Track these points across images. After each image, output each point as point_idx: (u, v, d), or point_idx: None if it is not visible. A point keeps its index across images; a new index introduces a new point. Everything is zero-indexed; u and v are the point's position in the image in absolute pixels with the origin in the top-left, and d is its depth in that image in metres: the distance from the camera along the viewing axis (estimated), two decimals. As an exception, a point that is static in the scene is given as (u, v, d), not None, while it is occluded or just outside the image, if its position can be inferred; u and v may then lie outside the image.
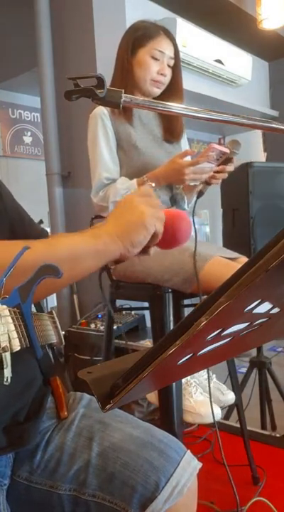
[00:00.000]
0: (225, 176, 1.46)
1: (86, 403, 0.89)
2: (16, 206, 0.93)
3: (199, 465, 0.81)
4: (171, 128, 1.68)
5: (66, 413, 0.85)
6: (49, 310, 0.98)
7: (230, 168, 1.45)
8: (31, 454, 0.80)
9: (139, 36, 1.57)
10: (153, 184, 1.47)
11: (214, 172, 1.44)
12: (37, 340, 0.57)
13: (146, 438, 0.79)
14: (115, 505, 0.74)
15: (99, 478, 0.76)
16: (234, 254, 1.48)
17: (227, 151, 1.40)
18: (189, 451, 0.81)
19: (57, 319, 0.97)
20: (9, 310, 0.52)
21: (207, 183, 1.47)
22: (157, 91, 1.61)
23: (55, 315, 0.97)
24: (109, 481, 0.75)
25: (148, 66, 1.56)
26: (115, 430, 0.81)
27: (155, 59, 1.56)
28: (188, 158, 1.50)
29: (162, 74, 1.58)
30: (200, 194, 1.51)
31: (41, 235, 0.95)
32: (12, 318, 0.52)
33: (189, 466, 0.78)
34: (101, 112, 1.56)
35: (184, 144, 1.76)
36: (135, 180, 1.50)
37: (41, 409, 0.82)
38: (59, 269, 0.57)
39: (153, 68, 1.57)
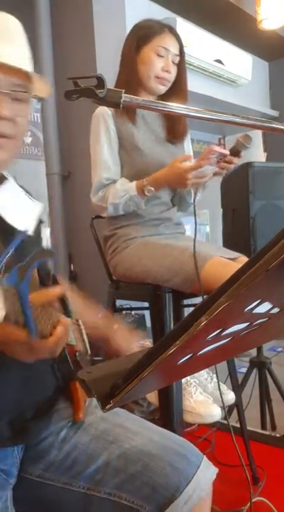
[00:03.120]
0: (231, 167, 1.47)
1: None
2: None
3: (217, 470, 0.83)
4: (174, 128, 1.67)
5: (81, 415, 0.85)
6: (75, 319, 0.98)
7: (236, 160, 1.46)
8: (45, 452, 0.81)
9: (143, 34, 1.56)
10: (153, 188, 1.46)
11: (223, 162, 1.44)
12: (33, 321, 0.59)
13: (166, 442, 0.81)
14: (132, 504, 0.75)
15: (117, 478, 0.77)
16: (234, 254, 1.48)
17: (227, 152, 1.40)
18: (205, 456, 0.83)
19: (83, 328, 0.97)
20: (6, 289, 0.54)
21: (215, 173, 1.48)
22: (162, 88, 1.60)
23: (80, 323, 0.97)
24: (129, 481, 0.76)
25: (152, 63, 1.55)
26: (136, 434, 0.82)
27: (160, 56, 1.55)
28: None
29: (166, 71, 1.57)
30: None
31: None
32: (6, 297, 0.54)
33: (208, 470, 0.80)
34: (104, 111, 1.55)
35: (187, 145, 1.75)
36: (134, 183, 1.49)
37: (50, 410, 0.83)
38: (54, 253, 0.62)
39: (158, 65, 1.55)
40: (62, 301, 0.97)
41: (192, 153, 1.78)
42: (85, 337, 0.96)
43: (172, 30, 1.58)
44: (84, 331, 0.96)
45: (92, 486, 0.77)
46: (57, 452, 0.81)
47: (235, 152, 1.42)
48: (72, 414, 0.87)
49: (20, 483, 0.79)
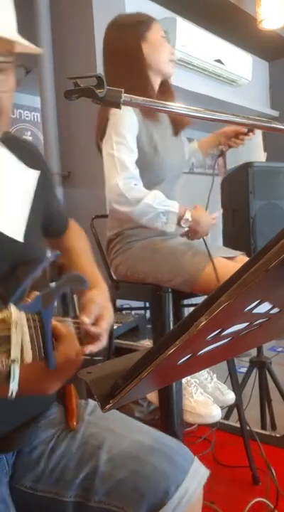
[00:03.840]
0: (243, 143, 1.56)
1: (90, 411, 0.88)
2: (57, 203, 0.98)
3: (207, 473, 0.80)
4: (179, 120, 1.63)
5: (75, 423, 0.83)
6: (73, 316, 0.97)
7: (249, 137, 1.55)
8: (35, 462, 0.80)
9: (138, 23, 1.54)
10: (191, 221, 1.39)
11: (238, 137, 1.55)
12: (53, 351, 0.55)
13: (156, 445, 0.79)
14: (122, 510, 0.74)
15: (106, 485, 0.75)
16: (234, 253, 1.48)
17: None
18: (196, 457, 0.81)
19: (82, 330, 0.96)
20: (28, 318, 0.50)
21: (230, 145, 1.56)
22: (173, 71, 1.58)
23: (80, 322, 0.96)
24: (117, 487, 0.75)
25: (164, 45, 1.53)
26: (124, 437, 0.80)
27: (165, 38, 1.54)
28: None
29: (173, 53, 1.57)
30: (221, 154, 1.62)
31: (60, 231, 1.01)
32: (29, 326, 0.50)
33: (197, 473, 0.78)
34: (130, 110, 1.47)
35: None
36: (178, 204, 1.42)
37: (39, 419, 0.82)
38: (85, 281, 0.57)
39: (168, 47, 1.55)
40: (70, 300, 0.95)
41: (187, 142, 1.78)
42: (82, 336, 0.95)
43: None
44: (82, 330, 0.95)
45: (82, 494, 0.76)
46: (47, 462, 0.79)
47: (250, 128, 1.50)
48: (62, 421, 0.85)
49: (13, 494, 0.78)
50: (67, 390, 0.87)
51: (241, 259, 1.48)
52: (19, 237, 0.76)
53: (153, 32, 1.53)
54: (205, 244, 1.40)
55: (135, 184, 1.42)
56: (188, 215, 1.39)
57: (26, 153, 0.87)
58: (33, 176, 0.85)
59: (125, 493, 0.74)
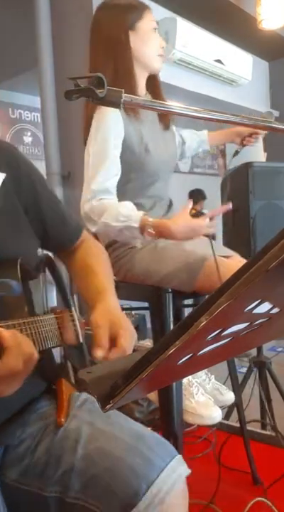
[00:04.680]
0: (252, 140, 1.65)
1: (79, 404, 0.87)
2: (52, 207, 0.95)
3: (186, 472, 0.78)
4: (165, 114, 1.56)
5: (63, 420, 0.82)
6: (70, 309, 0.94)
7: (261, 132, 1.62)
8: (21, 456, 0.80)
9: (130, 7, 1.42)
10: (153, 234, 1.28)
11: (249, 136, 1.63)
12: None
13: (133, 443, 0.77)
14: (97, 509, 0.73)
15: (81, 482, 0.75)
16: (229, 252, 1.47)
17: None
18: (179, 456, 0.79)
19: (76, 317, 0.94)
20: None
21: (243, 144, 1.64)
22: (161, 66, 1.49)
23: (74, 313, 0.93)
24: (91, 484, 0.74)
25: (154, 39, 1.43)
26: (102, 433, 0.79)
27: (155, 30, 1.44)
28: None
29: (163, 47, 1.47)
30: (236, 153, 1.68)
31: (67, 239, 0.98)
32: None
33: (174, 473, 0.76)
34: (115, 111, 1.36)
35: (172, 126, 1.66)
36: (140, 215, 1.30)
37: (20, 416, 0.82)
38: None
39: (158, 41, 1.44)
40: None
41: (178, 137, 1.73)
42: (77, 326, 0.94)
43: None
44: (76, 320, 0.94)
45: (62, 489, 0.76)
46: (32, 456, 0.80)
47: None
48: (52, 414, 0.85)
49: (1, 486, 0.78)
50: (58, 385, 0.87)
51: (235, 258, 1.47)
52: None
53: (144, 22, 1.41)
54: (211, 244, 1.32)
55: (101, 199, 1.34)
56: (149, 227, 1.27)
57: None
58: None
59: (98, 490, 0.74)
